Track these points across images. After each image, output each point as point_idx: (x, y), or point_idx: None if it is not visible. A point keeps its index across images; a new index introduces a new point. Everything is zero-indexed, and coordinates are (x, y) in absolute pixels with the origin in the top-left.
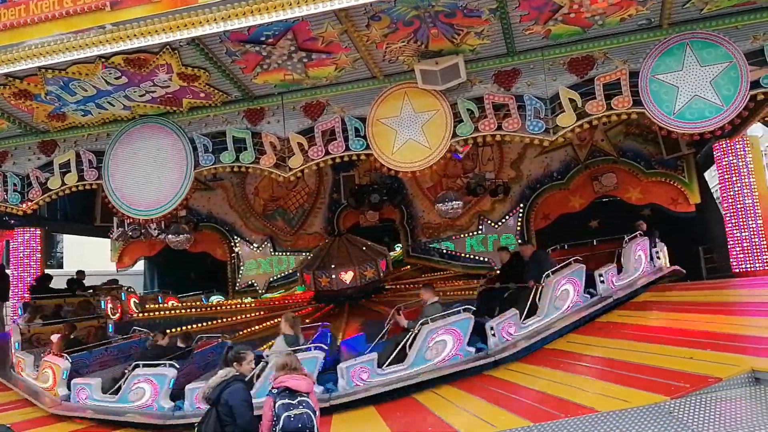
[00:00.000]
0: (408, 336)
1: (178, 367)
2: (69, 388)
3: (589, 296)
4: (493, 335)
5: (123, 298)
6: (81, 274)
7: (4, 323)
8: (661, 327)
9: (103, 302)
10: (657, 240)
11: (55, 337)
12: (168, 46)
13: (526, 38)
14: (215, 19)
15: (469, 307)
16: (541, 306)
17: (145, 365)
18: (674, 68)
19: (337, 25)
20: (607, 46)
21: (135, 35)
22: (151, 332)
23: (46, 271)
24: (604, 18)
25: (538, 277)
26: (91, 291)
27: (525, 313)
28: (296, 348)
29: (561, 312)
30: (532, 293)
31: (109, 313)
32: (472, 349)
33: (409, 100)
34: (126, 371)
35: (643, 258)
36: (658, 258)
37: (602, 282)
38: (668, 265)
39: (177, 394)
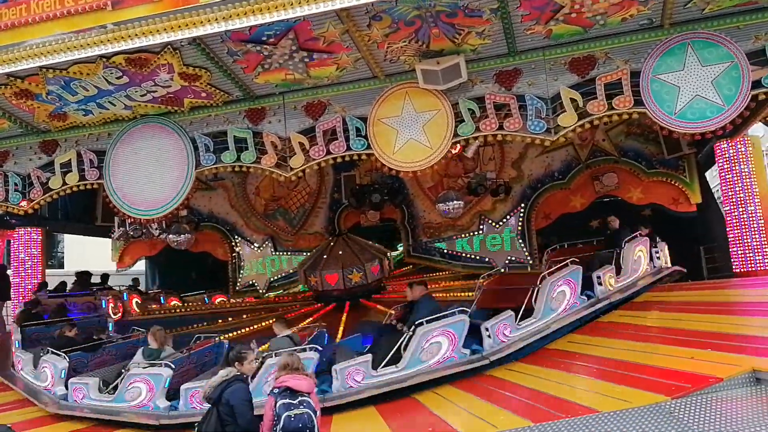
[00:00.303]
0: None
1: (68, 359)
2: None
3: (468, 353)
4: (337, 379)
5: (163, 302)
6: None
7: (4, 323)
8: (662, 327)
9: (126, 295)
10: (625, 245)
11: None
12: (169, 46)
13: (528, 38)
14: (216, 19)
15: (316, 347)
16: (404, 356)
17: (53, 353)
18: (675, 68)
19: (338, 24)
20: (608, 46)
21: (136, 35)
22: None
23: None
24: (605, 18)
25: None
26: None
27: (385, 361)
28: (153, 362)
29: (425, 366)
30: (400, 341)
31: (134, 306)
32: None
33: (410, 100)
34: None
35: (567, 293)
36: (599, 284)
37: (488, 336)
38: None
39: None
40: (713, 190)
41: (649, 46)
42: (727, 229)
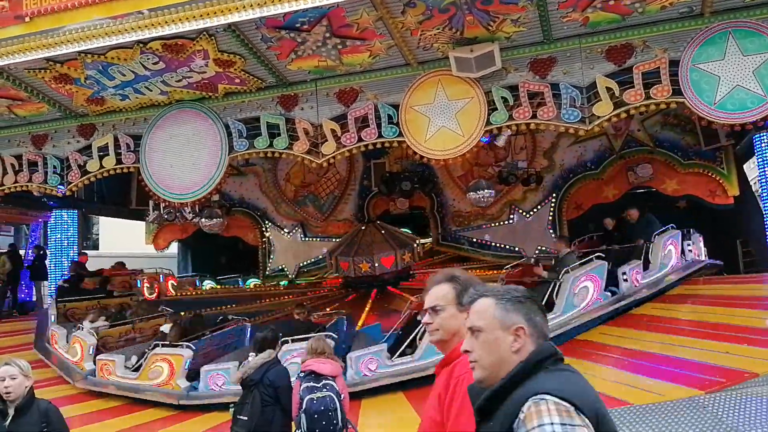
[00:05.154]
0: None
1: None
2: None
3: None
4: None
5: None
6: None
7: (43, 302)
8: (696, 321)
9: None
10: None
11: None
12: (205, 32)
13: (564, 26)
14: (252, 6)
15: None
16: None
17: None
18: (716, 57)
19: (372, 11)
20: (646, 34)
21: (173, 21)
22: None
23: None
24: (644, 5)
25: None
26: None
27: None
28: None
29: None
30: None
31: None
32: None
33: (443, 88)
34: None
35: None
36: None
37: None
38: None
39: None
40: (751, 183)
41: (688, 34)
42: (765, 223)
